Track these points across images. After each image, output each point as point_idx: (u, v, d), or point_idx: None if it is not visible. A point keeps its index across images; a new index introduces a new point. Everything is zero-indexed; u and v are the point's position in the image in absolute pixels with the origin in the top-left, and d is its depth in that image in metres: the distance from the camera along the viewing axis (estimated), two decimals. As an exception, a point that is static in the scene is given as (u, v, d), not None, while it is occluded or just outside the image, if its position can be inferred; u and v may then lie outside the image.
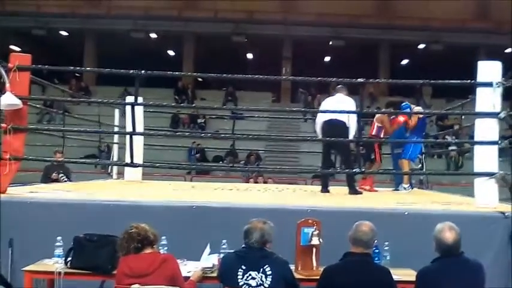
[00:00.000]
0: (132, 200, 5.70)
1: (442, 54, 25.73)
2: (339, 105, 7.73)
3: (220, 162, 19.89)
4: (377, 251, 4.59)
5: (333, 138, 7.64)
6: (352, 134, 7.63)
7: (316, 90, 24.46)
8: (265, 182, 14.04)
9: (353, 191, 7.71)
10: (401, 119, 8.85)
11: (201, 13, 25.82)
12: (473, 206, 5.95)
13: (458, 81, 6.78)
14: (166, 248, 4.55)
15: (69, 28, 26.66)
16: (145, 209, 5.36)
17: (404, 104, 9.17)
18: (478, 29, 25.42)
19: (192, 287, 4.19)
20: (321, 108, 8.30)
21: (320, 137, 8.05)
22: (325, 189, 7.98)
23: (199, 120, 22.38)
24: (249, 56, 28.95)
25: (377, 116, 9.11)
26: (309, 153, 16.65)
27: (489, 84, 5.93)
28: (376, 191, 9.00)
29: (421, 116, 9.11)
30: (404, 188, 8.83)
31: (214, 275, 4.34)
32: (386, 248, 4.69)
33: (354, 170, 7.36)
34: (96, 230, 4.62)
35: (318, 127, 8.00)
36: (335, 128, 7.63)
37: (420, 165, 9.64)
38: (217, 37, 26.00)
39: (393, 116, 8.95)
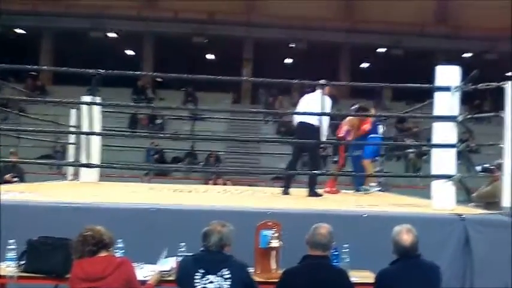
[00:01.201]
0: (87, 202, 5.56)
1: (402, 57, 26.11)
2: (308, 105, 7.70)
3: (179, 163, 19.73)
4: (336, 253, 4.59)
5: (300, 140, 7.64)
6: (324, 135, 7.62)
7: (277, 92, 24.53)
8: (224, 184, 13.96)
9: (312, 193, 7.70)
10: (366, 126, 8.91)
11: (161, 13, 25.63)
12: (431, 208, 6.01)
13: (418, 85, 6.85)
14: (122, 251, 4.45)
15: (25, 26, 26.12)
16: (101, 211, 5.23)
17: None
18: (437, 33, 25.88)
19: None
20: (299, 104, 8.20)
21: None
22: (285, 191, 7.97)
23: (157, 121, 22.15)
24: (210, 56, 28.85)
25: (348, 118, 9.16)
26: (269, 155, 16.69)
27: (447, 89, 6.01)
28: (337, 192, 9.01)
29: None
30: (374, 189, 8.89)
31: (172, 278, 4.26)
32: (345, 250, 4.69)
33: (315, 172, 7.37)
34: (50, 232, 4.49)
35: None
36: (303, 130, 7.62)
37: (380, 167, 9.72)
38: (177, 37, 25.84)
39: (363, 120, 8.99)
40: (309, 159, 8.08)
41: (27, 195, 6.33)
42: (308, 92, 8.16)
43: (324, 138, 7.67)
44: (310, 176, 7.80)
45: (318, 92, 7.82)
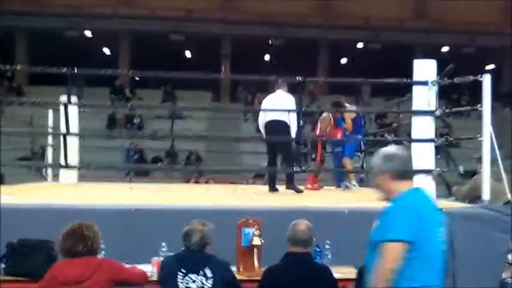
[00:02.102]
0: (67, 203, 5.50)
1: (381, 53, 26.20)
2: (278, 103, 7.71)
3: (160, 163, 19.60)
4: (318, 250, 4.59)
5: (275, 138, 7.66)
6: (293, 132, 7.63)
7: (256, 89, 24.48)
8: (206, 182, 13.93)
9: (292, 186, 7.71)
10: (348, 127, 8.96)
11: (137, 11, 25.44)
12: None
13: (396, 79, 6.87)
14: (103, 253, 4.40)
15: (-1, 26, 25.81)
16: (82, 212, 5.14)
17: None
18: (415, 28, 26.01)
19: (143, 274, 4.12)
20: (263, 106, 8.24)
21: (264, 136, 8.08)
22: (273, 189, 7.95)
23: (135, 120, 21.97)
24: (188, 54, 28.72)
25: (322, 117, 9.18)
26: (250, 153, 16.66)
27: (425, 83, 6.04)
28: (319, 189, 9.03)
29: (353, 116, 9.18)
30: (354, 185, 8.92)
31: (154, 279, 4.23)
32: (327, 246, 4.69)
33: (294, 169, 7.37)
34: (30, 234, 4.45)
35: (262, 127, 8.00)
36: (276, 128, 7.64)
37: (360, 163, 9.75)
38: (154, 35, 25.69)
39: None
40: (283, 156, 8.09)
41: (7, 197, 6.24)
42: (273, 91, 8.17)
43: (293, 135, 7.70)
44: (287, 173, 7.81)
45: (280, 90, 7.86)
